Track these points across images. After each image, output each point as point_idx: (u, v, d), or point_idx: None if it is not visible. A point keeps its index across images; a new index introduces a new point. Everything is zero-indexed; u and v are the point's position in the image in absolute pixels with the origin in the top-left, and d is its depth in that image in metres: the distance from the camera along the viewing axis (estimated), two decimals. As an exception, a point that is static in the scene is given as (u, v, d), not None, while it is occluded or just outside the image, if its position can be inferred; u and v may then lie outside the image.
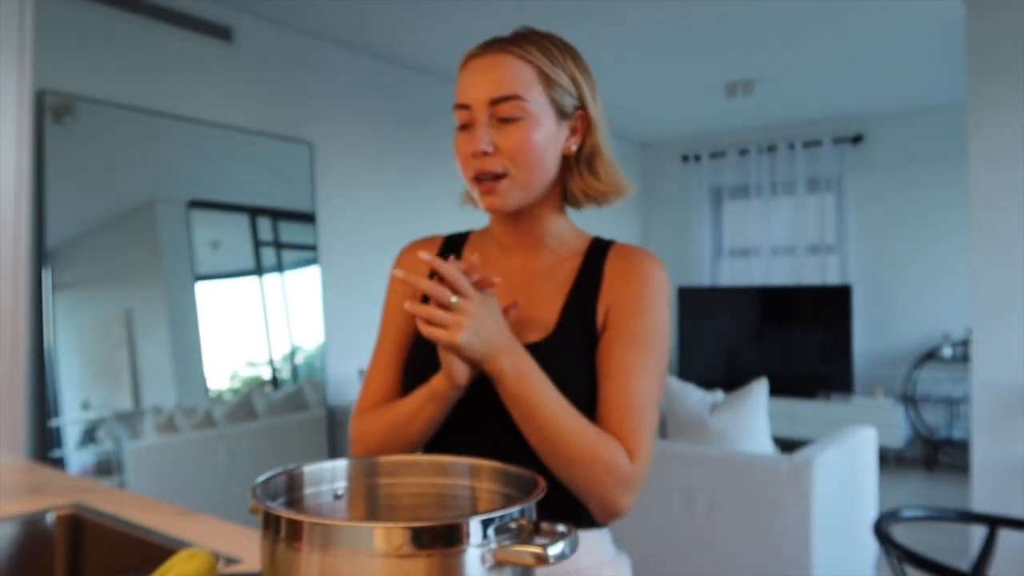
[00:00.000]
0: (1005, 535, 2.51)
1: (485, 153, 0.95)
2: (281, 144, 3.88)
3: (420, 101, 4.69)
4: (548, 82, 0.96)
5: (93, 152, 3.13)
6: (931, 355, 5.38)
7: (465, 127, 0.97)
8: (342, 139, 4.24)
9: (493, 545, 0.63)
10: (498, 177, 0.96)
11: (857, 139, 5.95)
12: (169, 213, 3.41)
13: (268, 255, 3.82)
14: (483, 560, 0.62)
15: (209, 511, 1.34)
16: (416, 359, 1.02)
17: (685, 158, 6.71)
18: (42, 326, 2.94)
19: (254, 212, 3.75)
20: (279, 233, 3.86)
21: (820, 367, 5.88)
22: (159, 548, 1.11)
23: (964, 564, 2.91)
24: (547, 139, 0.96)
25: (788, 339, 6.12)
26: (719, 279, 6.58)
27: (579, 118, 1.01)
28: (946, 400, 5.42)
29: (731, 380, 5.97)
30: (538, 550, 0.63)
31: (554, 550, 0.63)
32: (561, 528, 0.67)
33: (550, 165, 0.98)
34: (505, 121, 0.95)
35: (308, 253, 4.00)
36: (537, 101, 0.95)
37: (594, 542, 0.97)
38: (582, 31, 4.02)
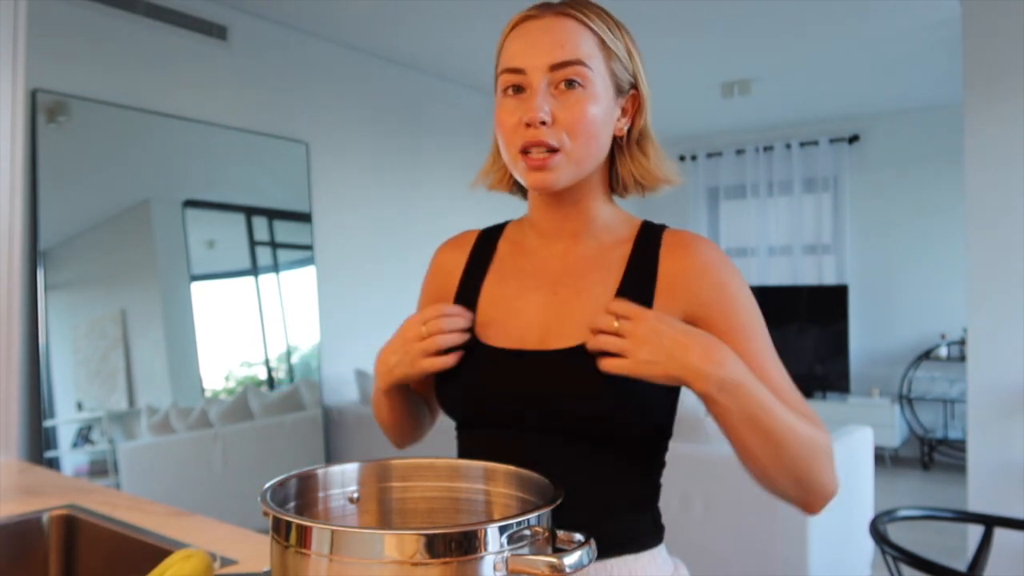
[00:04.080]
0: (1001, 535, 2.51)
1: (543, 123, 0.85)
2: (277, 143, 3.87)
3: (417, 100, 4.68)
4: (609, 53, 0.89)
5: (87, 151, 3.12)
6: (927, 355, 5.39)
7: (515, 93, 0.88)
8: (338, 138, 4.23)
9: (507, 553, 0.60)
10: (552, 151, 0.86)
11: (853, 139, 5.96)
12: (164, 212, 3.40)
13: (264, 255, 3.81)
14: (495, 568, 0.60)
15: (204, 512, 1.33)
16: (454, 367, 0.94)
17: (682, 158, 6.72)
18: (36, 326, 2.92)
19: (250, 212, 3.75)
20: (275, 233, 3.85)
21: (816, 367, 5.89)
22: (154, 549, 1.11)
23: (960, 564, 2.91)
24: (605, 113, 0.89)
25: (784, 339, 6.12)
26: (715, 279, 6.57)
27: (631, 97, 0.93)
28: (942, 400, 5.43)
29: (727, 380, 5.98)
30: (553, 560, 0.60)
31: (570, 560, 0.60)
32: (578, 537, 0.64)
33: (605, 143, 0.90)
34: (565, 89, 0.86)
35: (304, 253, 3.99)
36: (599, 71, 0.87)
37: (654, 560, 0.89)
38: (578, 31, 4.01)
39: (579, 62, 0.86)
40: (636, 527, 0.89)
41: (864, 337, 5.90)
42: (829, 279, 6.00)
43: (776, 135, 6.26)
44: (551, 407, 0.87)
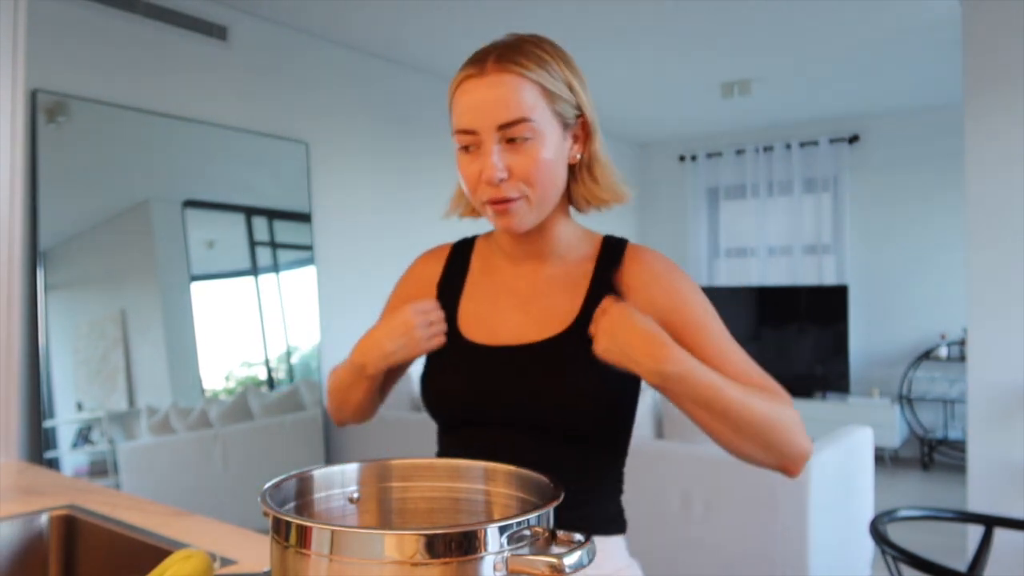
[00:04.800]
0: (1001, 535, 2.51)
1: (501, 180, 0.92)
2: (277, 143, 3.87)
3: (417, 100, 4.68)
4: (551, 97, 0.94)
5: (87, 151, 3.12)
6: (927, 355, 5.39)
7: (469, 149, 0.95)
8: (338, 138, 4.23)
9: (507, 554, 0.61)
10: (513, 200, 0.94)
11: (853, 139, 5.96)
12: (164, 213, 3.40)
13: (264, 255, 3.81)
14: (495, 568, 0.60)
15: (204, 512, 1.33)
16: (439, 372, 1.04)
17: (682, 158, 6.72)
18: (36, 327, 2.92)
19: (249, 212, 3.74)
20: (275, 233, 3.85)
21: (816, 367, 5.88)
22: (154, 549, 1.11)
23: (960, 564, 2.91)
24: (556, 154, 0.95)
25: (784, 339, 6.13)
26: (716, 279, 6.58)
27: (580, 125, 0.99)
28: (942, 400, 5.43)
29: (727, 380, 5.98)
30: (554, 560, 0.60)
31: (570, 560, 0.60)
32: (578, 537, 0.64)
33: (561, 179, 0.97)
34: (513, 142, 0.92)
35: (304, 253, 3.99)
36: (544, 118, 0.93)
37: (613, 549, 0.97)
38: (579, 31, 4.01)
39: (524, 119, 0.91)
40: (598, 514, 0.96)
41: (864, 337, 5.90)
42: (829, 279, 6.00)
43: (776, 135, 6.26)
44: (524, 395, 0.95)
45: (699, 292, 0.99)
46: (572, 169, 1.00)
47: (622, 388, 0.97)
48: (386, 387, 1.13)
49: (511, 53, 0.93)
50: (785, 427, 0.89)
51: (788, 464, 0.91)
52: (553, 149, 0.94)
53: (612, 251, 1.03)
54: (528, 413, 0.94)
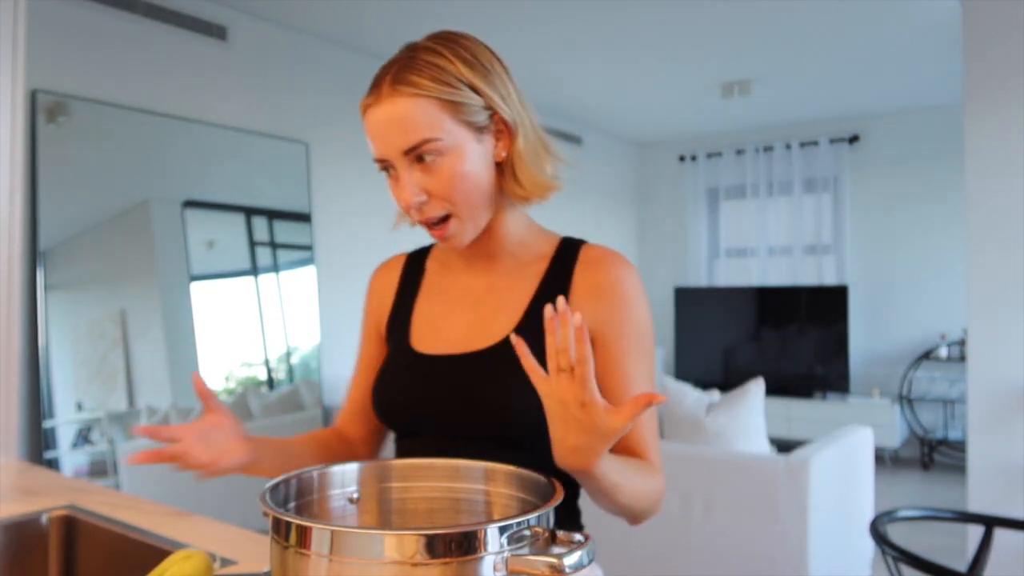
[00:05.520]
0: (1001, 535, 2.51)
1: (421, 204, 0.91)
2: (277, 143, 3.87)
3: (416, 101, 4.68)
4: (453, 108, 0.89)
5: (87, 152, 3.12)
6: (927, 355, 5.39)
7: (386, 170, 0.93)
8: (338, 139, 4.23)
9: (507, 554, 0.60)
10: (443, 220, 0.93)
11: (853, 139, 5.96)
12: (164, 213, 3.40)
13: (264, 255, 3.80)
14: (495, 568, 0.60)
15: (204, 512, 1.33)
16: (387, 383, 1.03)
17: (682, 158, 6.72)
18: (36, 327, 2.92)
19: (249, 212, 3.74)
20: (274, 233, 3.85)
21: (816, 367, 5.88)
22: (154, 549, 1.11)
23: (960, 564, 2.91)
24: (475, 163, 0.91)
25: (784, 339, 6.13)
26: (715, 279, 6.58)
27: (497, 123, 0.94)
28: (942, 400, 5.43)
29: (727, 380, 5.98)
30: (554, 560, 0.60)
31: (570, 560, 0.60)
32: (578, 537, 0.64)
33: (488, 186, 0.94)
34: (424, 161, 0.90)
35: (304, 253, 3.99)
36: (450, 132, 0.89)
37: None
38: (579, 31, 4.01)
39: (424, 141, 0.88)
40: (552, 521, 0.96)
41: (864, 337, 5.90)
42: (829, 279, 6.00)
43: (776, 135, 6.26)
44: (462, 405, 0.94)
45: (648, 318, 0.98)
46: (501, 166, 0.96)
47: None
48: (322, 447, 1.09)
49: (404, 73, 0.89)
50: (650, 506, 0.92)
51: (633, 523, 0.95)
52: (469, 159, 0.91)
53: (567, 252, 1.00)
54: (468, 423, 0.94)
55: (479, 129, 0.92)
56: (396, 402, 1.00)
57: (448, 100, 0.89)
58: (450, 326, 1.01)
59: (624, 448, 0.94)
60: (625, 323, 0.95)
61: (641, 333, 0.96)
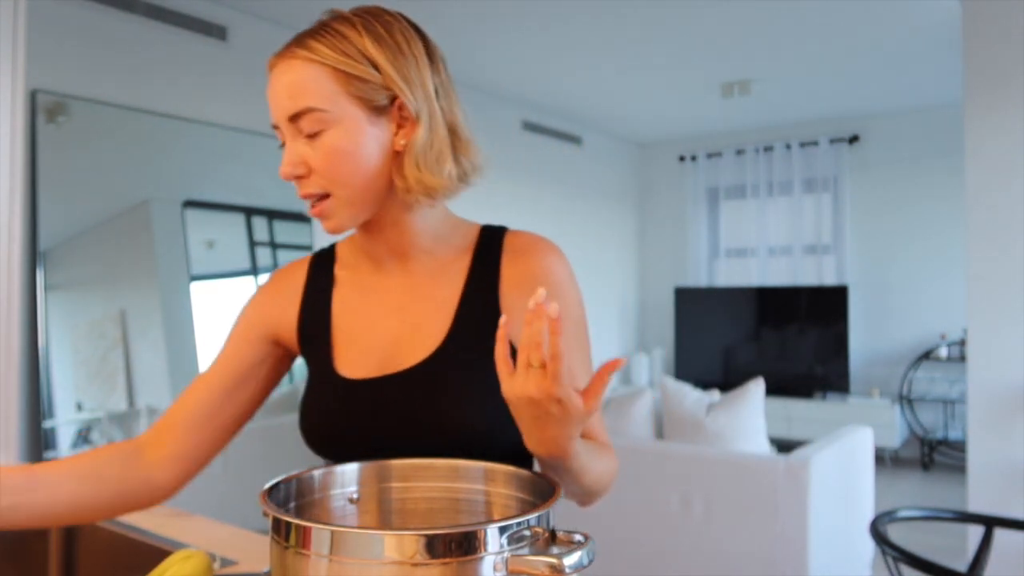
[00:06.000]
0: (1001, 535, 2.51)
1: (298, 176, 0.85)
2: (277, 144, 3.87)
3: (416, 101, 4.68)
4: (346, 79, 0.83)
5: (87, 152, 3.12)
6: (927, 355, 5.39)
7: (283, 146, 0.88)
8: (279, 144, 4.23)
9: (507, 554, 0.60)
10: (323, 198, 0.86)
11: (853, 139, 5.96)
12: (164, 213, 3.40)
13: (264, 255, 3.81)
14: (495, 569, 0.60)
15: (204, 512, 1.33)
16: (315, 412, 0.93)
17: (681, 158, 6.71)
18: (36, 327, 2.92)
19: (249, 212, 3.74)
20: (274, 233, 3.85)
21: (816, 367, 5.88)
22: (154, 549, 1.11)
23: (960, 564, 2.91)
24: (362, 144, 0.84)
25: (784, 339, 6.13)
26: (715, 279, 6.58)
27: (400, 107, 0.86)
28: (942, 400, 5.43)
29: (727, 380, 5.98)
30: (554, 560, 0.60)
31: (570, 560, 0.60)
32: (578, 537, 0.64)
33: (373, 171, 0.85)
34: (311, 136, 0.84)
35: (303, 253, 3.98)
36: (338, 106, 0.83)
37: None
38: (579, 31, 4.01)
39: (308, 109, 0.83)
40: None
41: (864, 337, 5.90)
42: (829, 279, 6.00)
43: (776, 135, 6.26)
44: (405, 429, 0.87)
45: (579, 300, 0.93)
46: (401, 157, 0.87)
47: (493, 395, 0.84)
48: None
49: (306, 38, 0.84)
50: (605, 486, 0.89)
51: (584, 505, 0.92)
52: (355, 139, 0.84)
53: (490, 243, 0.93)
54: (421, 445, 0.86)
55: (375, 110, 0.85)
56: (332, 436, 0.91)
57: (342, 71, 0.83)
58: (375, 341, 0.92)
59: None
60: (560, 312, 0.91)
61: (576, 321, 0.92)
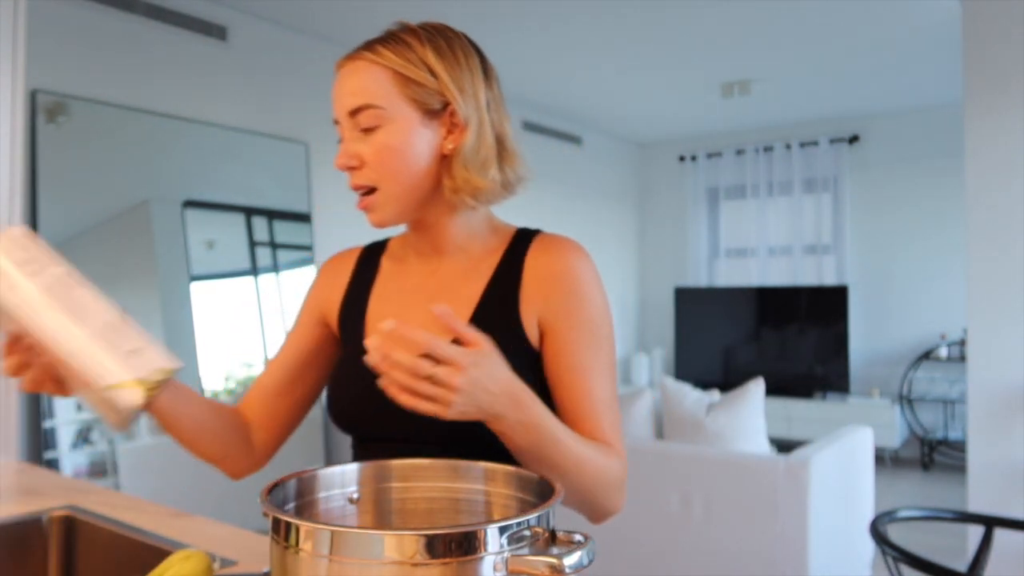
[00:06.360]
0: (1001, 535, 2.51)
1: (350, 167, 0.93)
2: (277, 144, 3.87)
3: (416, 101, 4.68)
4: (405, 82, 0.91)
5: (87, 152, 3.12)
6: (927, 355, 5.39)
7: (340, 142, 0.95)
8: (337, 139, 4.23)
9: (507, 554, 0.60)
10: (370, 192, 0.93)
11: (853, 139, 5.96)
12: (164, 213, 3.40)
13: (263, 255, 3.80)
14: (495, 569, 0.60)
15: (204, 512, 1.33)
16: (341, 385, 0.98)
17: (681, 158, 6.72)
18: (36, 326, 2.92)
19: (249, 212, 3.74)
20: (274, 233, 3.85)
21: (816, 367, 5.89)
22: (154, 549, 1.11)
23: (960, 564, 2.91)
24: (412, 144, 0.91)
25: (784, 339, 6.13)
26: (715, 279, 6.58)
27: (450, 115, 0.93)
28: (942, 400, 5.43)
29: (727, 380, 5.98)
30: (554, 560, 0.60)
31: (570, 560, 0.60)
32: (578, 537, 0.64)
33: (421, 170, 0.92)
34: (367, 131, 0.91)
35: (303, 253, 3.99)
36: (395, 105, 0.90)
37: None
38: (579, 31, 4.01)
39: (367, 105, 0.90)
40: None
41: (864, 337, 5.90)
42: (829, 279, 6.00)
43: (776, 135, 6.26)
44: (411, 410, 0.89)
45: (603, 306, 0.95)
46: (448, 161, 0.94)
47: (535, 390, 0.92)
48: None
49: (373, 43, 0.94)
50: (606, 492, 0.88)
51: (595, 517, 0.92)
52: (404, 136, 0.91)
53: (519, 244, 0.98)
54: (422, 427, 0.86)
55: (428, 113, 0.92)
56: (351, 404, 0.97)
57: (402, 74, 0.91)
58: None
59: (575, 426, 0.91)
60: (577, 312, 0.93)
61: (596, 322, 0.93)
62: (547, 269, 0.94)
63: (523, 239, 0.99)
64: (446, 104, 0.92)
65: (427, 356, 0.73)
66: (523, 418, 0.80)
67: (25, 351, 0.80)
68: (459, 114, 0.92)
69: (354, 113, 0.91)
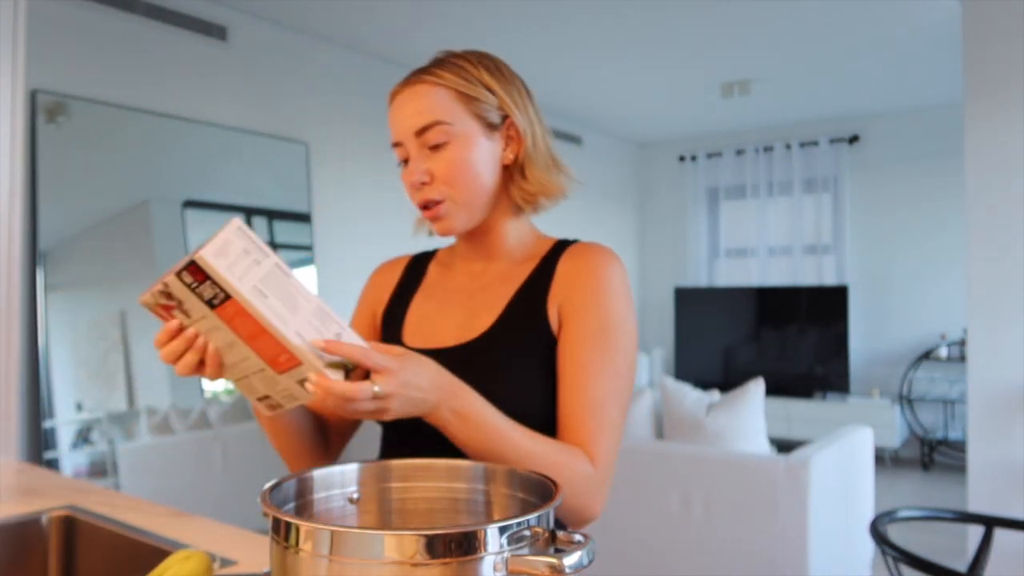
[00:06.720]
0: (1001, 535, 2.51)
1: (423, 183, 0.97)
2: (276, 144, 3.87)
3: (416, 101, 4.68)
4: (467, 99, 0.97)
5: (87, 152, 3.12)
6: (927, 355, 5.39)
7: (405, 162, 1.00)
8: (338, 139, 4.23)
9: (507, 554, 0.60)
10: (438, 203, 0.98)
11: (853, 139, 5.96)
12: (163, 213, 3.40)
13: (264, 255, 3.80)
14: (495, 569, 0.60)
15: (204, 512, 1.33)
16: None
17: (682, 158, 6.72)
18: (36, 327, 2.92)
19: (249, 212, 3.74)
20: (274, 233, 3.85)
21: (816, 367, 5.88)
22: (154, 550, 1.11)
23: (960, 564, 2.91)
24: (479, 156, 0.98)
25: (784, 339, 6.13)
26: (715, 279, 6.58)
27: (508, 127, 1.01)
28: (942, 400, 5.43)
29: (727, 380, 5.98)
30: (553, 560, 0.60)
31: (570, 560, 0.60)
32: (578, 537, 0.64)
33: (487, 180, 0.99)
34: (435, 148, 0.96)
35: (303, 253, 3.99)
36: (460, 121, 0.97)
37: None
38: (579, 31, 4.01)
39: (436, 123, 0.96)
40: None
41: (864, 337, 5.90)
42: (829, 279, 6.00)
43: (776, 135, 6.26)
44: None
45: (622, 309, 0.96)
46: (508, 171, 1.02)
47: (531, 383, 0.95)
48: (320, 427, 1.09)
49: (430, 67, 0.99)
50: (566, 490, 0.86)
51: (569, 519, 0.90)
52: (473, 149, 0.97)
53: (557, 250, 1.04)
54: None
55: (490, 126, 0.99)
56: None
57: (464, 92, 0.97)
58: (441, 323, 1.04)
59: (568, 436, 0.91)
60: (593, 309, 0.95)
61: (610, 323, 0.95)
62: (575, 268, 0.99)
63: (560, 247, 1.04)
64: (504, 117, 1.00)
65: (359, 366, 0.78)
66: (457, 407, 0.83)
67: (188, 340, 0.82)
68: (517, 125, 1.00)
69: (421, 132, 0.96)
